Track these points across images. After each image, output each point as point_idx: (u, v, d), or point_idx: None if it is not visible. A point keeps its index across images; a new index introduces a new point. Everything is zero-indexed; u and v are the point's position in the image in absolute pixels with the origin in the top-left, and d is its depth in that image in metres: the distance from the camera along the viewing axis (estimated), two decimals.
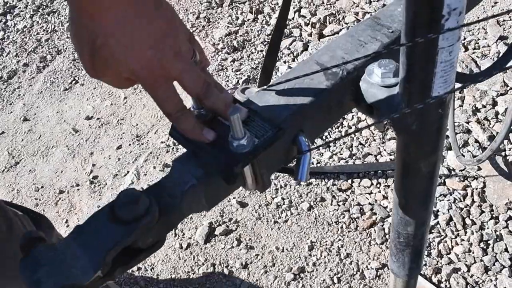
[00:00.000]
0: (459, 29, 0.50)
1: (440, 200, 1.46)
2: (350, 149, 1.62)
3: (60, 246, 0.52)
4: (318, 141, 1.66)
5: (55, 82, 2.24)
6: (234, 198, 1.56)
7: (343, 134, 1.66)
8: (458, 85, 0.57)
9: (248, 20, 2.25)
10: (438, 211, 1.44)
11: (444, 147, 1.58)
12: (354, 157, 1.59)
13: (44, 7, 2.66)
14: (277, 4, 2.32)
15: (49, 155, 1.96)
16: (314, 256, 1.38)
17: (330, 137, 1.67)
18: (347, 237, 1.40)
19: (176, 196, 0.56)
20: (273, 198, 1.54)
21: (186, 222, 1.54)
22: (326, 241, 1.41)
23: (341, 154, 1.61)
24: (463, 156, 1.45)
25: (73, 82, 2.22)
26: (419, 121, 0.60)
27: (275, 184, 1.58)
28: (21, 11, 2.68)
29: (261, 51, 2.09)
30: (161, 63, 0.51)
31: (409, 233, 0.82)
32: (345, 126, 1.67)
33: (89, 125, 2.01)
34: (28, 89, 2.25)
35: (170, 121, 0.57)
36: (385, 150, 1.60)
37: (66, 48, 2.39)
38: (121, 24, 0.48)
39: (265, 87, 0.66)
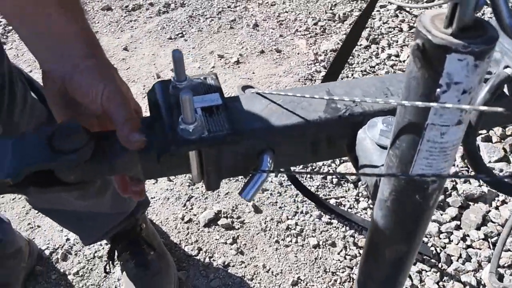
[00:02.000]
0: (461, 112, 0.41)
1: None
2: None
3: None
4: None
5: (165, 28, 2.34)
6: (254, 200, 1.51)
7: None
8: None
9: (361, 45, 2.16)
10: None
11: (486, 257, 1.38)
12: None
13: None
14: (396, 42, 2.20)
15: None
16: None
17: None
18: None
19: (114, 151, 0.54)
20: (288, 219, 1.47)
21: (200, 200, 1.53)
22: (313, 285, 1.31)
23: None
24: (496, 275, 1.25)
25: (179, 35, 2.30)
26: (395, 198, 0.51)
27: (297, 206, 1.50)
28: None
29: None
30: None
31: None
32: None
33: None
34: (142, 25, 2.39)
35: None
36: None
37: (190, 4, 2.49)
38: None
39: (261, 91, 0.61)
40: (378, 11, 2.36)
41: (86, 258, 1.43)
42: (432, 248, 1.38)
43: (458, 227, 1.43)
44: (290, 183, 1.55)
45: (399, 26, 2.30)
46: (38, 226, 1.53)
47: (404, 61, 2.07)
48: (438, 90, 0.39)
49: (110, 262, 1.30)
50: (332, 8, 2.40)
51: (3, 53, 0.80)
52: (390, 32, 2.27)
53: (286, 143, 0.57)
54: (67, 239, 1.48)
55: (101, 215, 1.13)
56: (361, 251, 1.39)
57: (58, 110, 0.59)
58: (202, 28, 2.32)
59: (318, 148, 0.60)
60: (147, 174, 0.57)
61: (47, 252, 1.46)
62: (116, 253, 1.27)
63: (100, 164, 0.54)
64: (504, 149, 1.65)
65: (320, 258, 1.38)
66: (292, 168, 1.47)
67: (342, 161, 1.63)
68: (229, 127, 0.52)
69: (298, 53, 2.14)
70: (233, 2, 2.48)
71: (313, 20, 2.33)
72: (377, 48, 2.15)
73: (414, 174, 0.46)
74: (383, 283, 0.63)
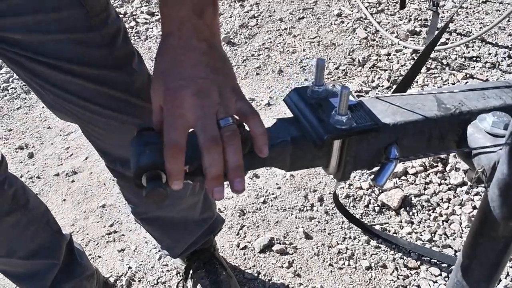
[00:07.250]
0: None
1: None
2: (433, 234, 1.56)
3: None
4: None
5: None
6: (302, 227, 1.59)
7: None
8: None
9: (383, 86, 2.31)
10: None
11: None
12: (432, 243, 1.53)
13: None
14: (416, 82, 2.36)
15: None
16: None
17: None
18: None
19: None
20: (338, 244, 1.54)
21: (251, 228, 1.60)
22: None
23: (421, 235, 1.56)
24: None
25: None
26: None
27: (345, 232, 1.57)
28: None
29: None
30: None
31: None
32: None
33: None
34: None
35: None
36: None
37: None
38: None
39: (381, 96, 0.71)
40: (395, 55, 2.54)
41: (150, 284, 1.47)
42: None
43: None
44: (336, 211, 1.63)
45: None
46: (99, 257, 1.58)
47: None
48: None
49: (184, 280, 1.37)
50: (351, 53, 2.59)
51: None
52: None
53: (408, 137, 0.68)
54: (129, 267, 1.53)
55: (191, 222, 1.23)
56: (410, 272, 1.46)
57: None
58: None
59: (430, 142, 0.70)
60: (292, 166, 0.66)
61: (111, 280, 1.50)
62: (191, 271, 1.35)
63: (255, 158, 0.64)
64: None
65: (374, 278, 1.44)
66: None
67: (381, 191, 1.73)
68: (371, 120, 0.62)
69: None
70: (256, 51, 2.66)
71: (334, 64, 2.50)
72: None
73: None
74: (491, 263, 0.71)
